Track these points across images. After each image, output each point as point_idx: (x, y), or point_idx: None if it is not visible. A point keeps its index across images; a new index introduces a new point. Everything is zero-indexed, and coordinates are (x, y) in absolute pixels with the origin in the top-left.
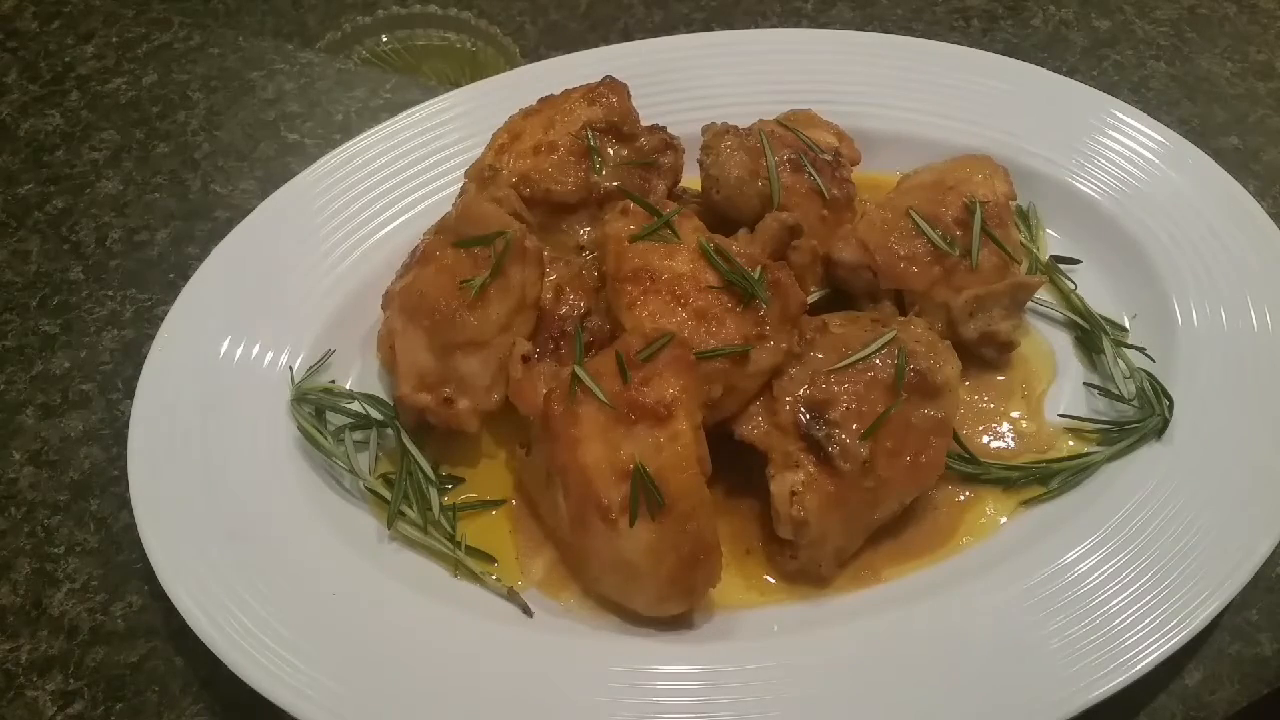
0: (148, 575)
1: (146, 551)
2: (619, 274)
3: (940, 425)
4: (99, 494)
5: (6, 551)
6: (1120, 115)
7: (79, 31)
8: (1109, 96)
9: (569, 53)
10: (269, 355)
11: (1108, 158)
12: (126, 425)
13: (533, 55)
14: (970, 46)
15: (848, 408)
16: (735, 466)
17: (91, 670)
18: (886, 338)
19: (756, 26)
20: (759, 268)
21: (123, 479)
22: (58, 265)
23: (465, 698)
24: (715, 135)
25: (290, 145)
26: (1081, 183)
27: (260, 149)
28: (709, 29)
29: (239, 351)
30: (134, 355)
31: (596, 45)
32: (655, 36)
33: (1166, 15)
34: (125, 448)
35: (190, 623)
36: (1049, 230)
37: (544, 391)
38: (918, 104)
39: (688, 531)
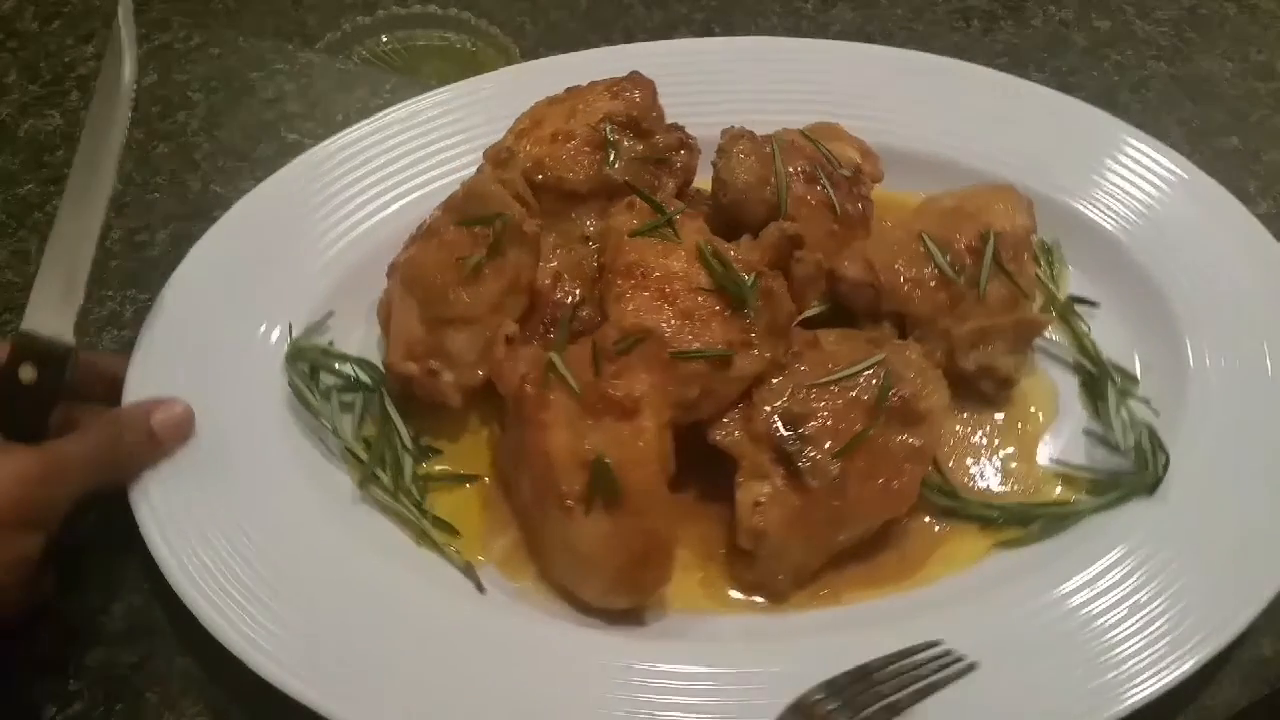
0: (148, 575)
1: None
2: (613, 266)
3: (918, 453)
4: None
5: None
6: (1168, 165)
7: (79, 31)
8: (1160, 144)
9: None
10: (270, 318)
11: (1145, 205)
12: None
13: (532, 55)
14: (971, 47)
15: (824, 424)
16: (712, 472)
17: (91, 670)
18: (875, 359)
19: (756, 27)
20: (753, 274)
21: None
22: None
23: (424, 669)
24: (730, 139)
25: (290, 145)
26: (1112, 226)
27: (260, 149)
28: (708, 29)
29: (242, 311)
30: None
31: (597, 45)
32: (655, 37)
33: (1166, 15)
34: None
35: (164, 570)
36: (1073, 269)
37: (522, 373)
38: (955, 128)
39: (641, 528)
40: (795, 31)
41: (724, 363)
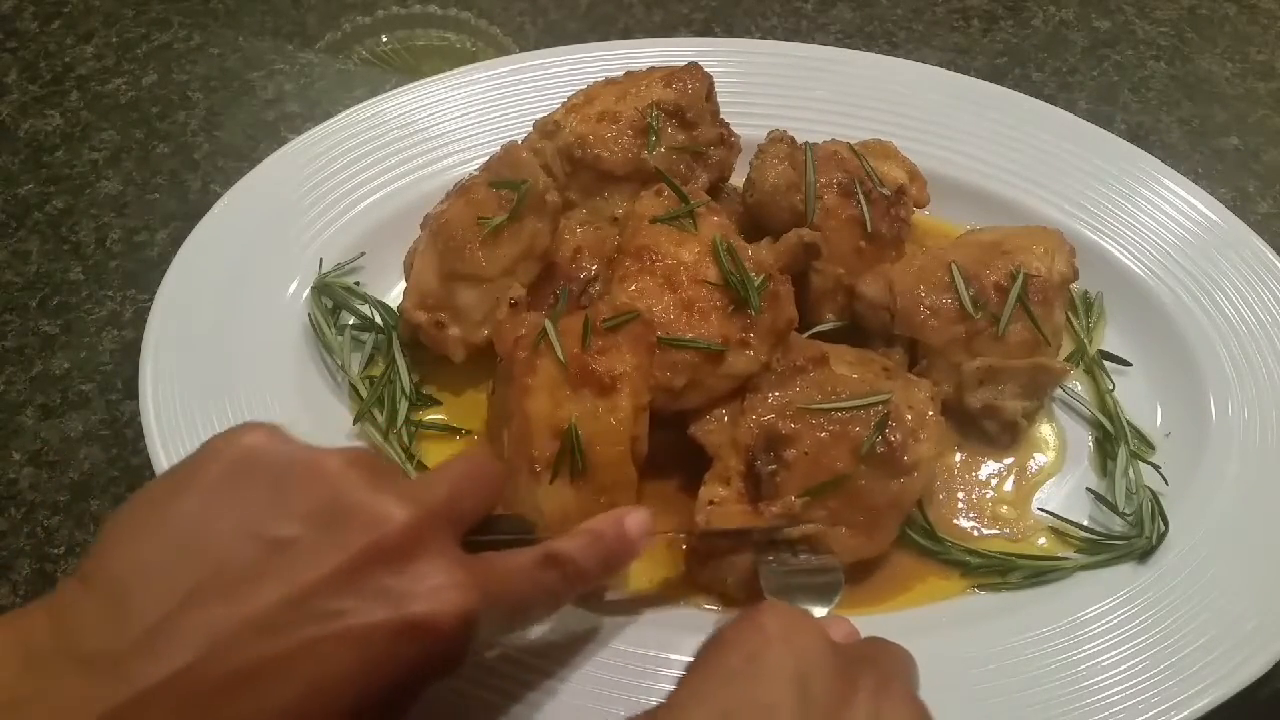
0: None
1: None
2: (625, 247)
3: (897, 502)
4: (99, 494)
5: (6, 552)
6: (1235, 237)
7: (79, 31)
8: (1230, 215)
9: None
10: (307, 253)
11: (1197, 275)
12: (126, 425)
13: None
14: (971, 47)
15: (803, 454)
16: (699, 465)
17: None
18: (879, 398)
19: (756, 27)
20: (762, 275)
21: (123, 479)
22: (58, 265)
23: None
24: (770, 141)
25: None
26: (1160, 289)
27: (260, 149)
28: (709, 29)
29: (274, 246)
30: (134, 355)
31: None
32: (655, 36)
33: (1166, 15)
34: (125, 448)
35: None
36: (1114, 326)
37: (518, 335)
38: (1019, 167)
39: (601, 504)
40: (795, 32)
41: (715, 357)
